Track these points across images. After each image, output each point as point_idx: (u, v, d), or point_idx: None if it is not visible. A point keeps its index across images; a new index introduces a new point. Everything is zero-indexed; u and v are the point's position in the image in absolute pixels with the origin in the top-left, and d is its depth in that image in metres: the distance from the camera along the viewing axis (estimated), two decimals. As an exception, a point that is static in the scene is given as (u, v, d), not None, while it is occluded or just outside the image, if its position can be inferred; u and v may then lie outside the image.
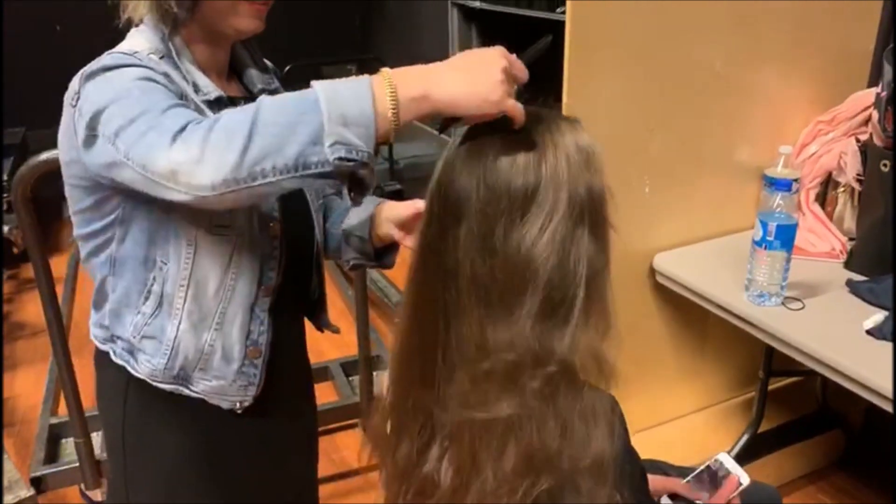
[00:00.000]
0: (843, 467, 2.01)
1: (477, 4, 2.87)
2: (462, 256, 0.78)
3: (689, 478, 1.14)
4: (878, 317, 1.37)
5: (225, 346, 1.07)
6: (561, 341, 0.77)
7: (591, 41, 1.44)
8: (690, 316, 1.75)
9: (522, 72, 0.83)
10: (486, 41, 3.15)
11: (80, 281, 3.29)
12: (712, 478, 1.12)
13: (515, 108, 0.80)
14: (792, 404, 1.95)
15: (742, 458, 1.82)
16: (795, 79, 1.72)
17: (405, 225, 1.15)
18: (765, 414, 1.85)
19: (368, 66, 5.11)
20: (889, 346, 1.31)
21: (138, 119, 0.86)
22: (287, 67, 3.49)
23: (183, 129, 0.83)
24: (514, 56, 0.83)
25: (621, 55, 1.49)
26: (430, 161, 4.00)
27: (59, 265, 2.93)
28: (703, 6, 1.54)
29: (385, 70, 0.83)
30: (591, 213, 0.77)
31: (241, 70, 1.14)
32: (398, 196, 3.81)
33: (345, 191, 0.87)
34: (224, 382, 1.08)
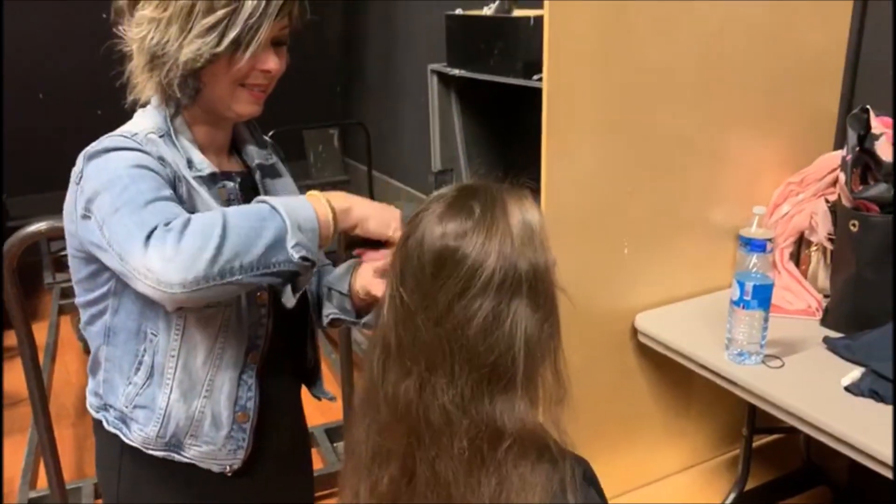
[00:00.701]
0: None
1: (456, 72, 2.95)
2: (411, 318, 0.81)
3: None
4: (855, 373, 1.40)
5: (214, 412, 1.10)
6: (505, 412, 0.78)
7: (568, 111, 1.49)
8: (674, 375, 1.77)
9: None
10: (465, 106, 3.24)
11: (60, 351, 3.26)
12: None
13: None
14: (777, 461, 1.96)
15: (730, 518, 1.83)
16: (766, 142, 1.78)
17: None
18: (750, 471, 1.86)
19: (352, 130, 5.20)
20: (867, 402, 1.34)
21: (122, 209, 0.93)
22: (271, 132, 3.55)
23: (156, 227, 0.91)
24: None
25: (597, 124, 1.54)
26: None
27: (38, 333, 2.90)
28: (676, 76, 1.61)
29: (314, 191, 1.03)
30: (531, 286, 0.80)
31: (241, 146, 1.19)
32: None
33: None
34: (214, 447, 1.11)
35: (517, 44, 2.53)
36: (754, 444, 1.88)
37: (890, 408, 1.32)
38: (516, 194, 0.84)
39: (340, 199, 1.04)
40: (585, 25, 1.47)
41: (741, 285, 1.44)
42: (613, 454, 1.84)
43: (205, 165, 1.08)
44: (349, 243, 1.12)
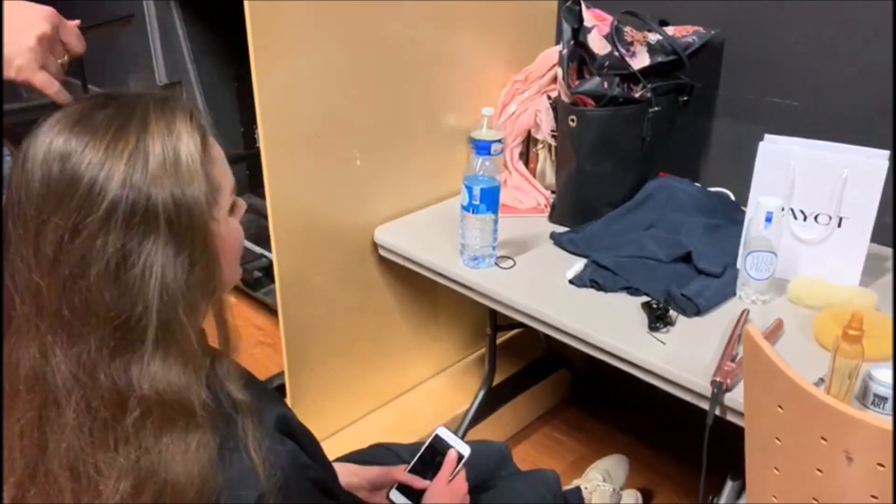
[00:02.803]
0: (571, 403, 2.17)
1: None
2: (24, 264, 0.67)
3: (413, 461, 1.12)
4: (578, 266, 1.45)
5: None
6: (136, 375, 0.67)
7: (275, 11, 1.34)
8: (419, 285, 1.75)
9: (76, 42, 0.78)
10: (189, 14, 2.92)
11: None
12: (434, 456, 1.11)
13: (45, 83, 0.75)
14: (521, 353, 2.05)
15: (481, 413, 1.89)
16: (490, 41, 1.75)
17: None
18: (497, 367, 1.92)
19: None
20: (590, 292, 1.39)
21: None
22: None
23: None
24: (71, 23, 0.75)
25: (311, 26, 1.40)
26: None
27: None
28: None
29: None
30: (171, 223, 0.67)
31: None
32: None
33: None
34: None
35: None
36: (499, 341, 1.94)
37: (608, 296, 1.38)
38: (169, 113, 0.70)
39: None
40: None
41: (469, 189, 1.41)
42: (367, 370, 1.80)
43: None
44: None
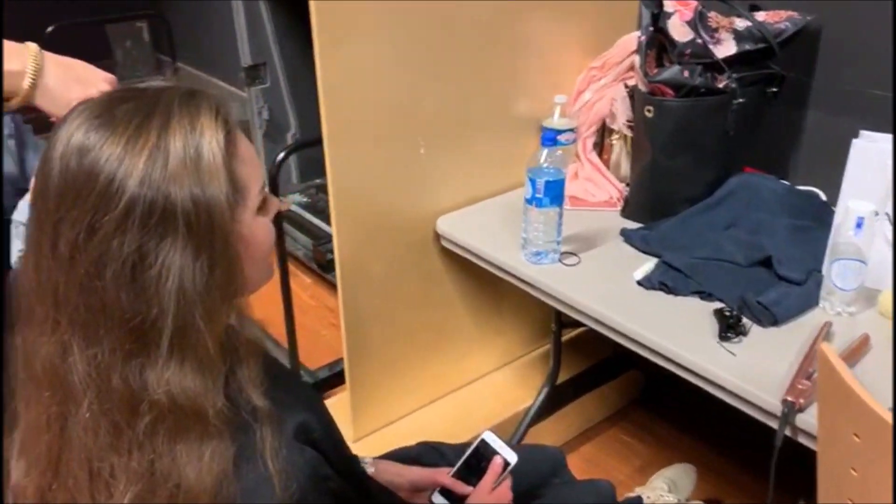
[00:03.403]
0: (642, 405, 2.08)
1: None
2: (44, 260, 0.65)
3: (458, 464, 1.08)
4: (648, 266, 1.37)
5: None
6: (148, 381, 0.65)
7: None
8: (482, 277, 1.70)
9: None
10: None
11: None
12: (480, 461, 1.06)
13: None
14: (589, 351, 1.98)
15: (544, 411, 1.83)
16: (566, 25, 1.67)
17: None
18: (563, 364, 1.85)
19: (167, 22, 4.69)
20: (659, 295, 1.31)
21: None
22: (49, 28, 3.11)
23: None
24: None
25: (377, 10, 1.36)
26: (231, 124, 3.75)
27: None
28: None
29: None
30: (190, 224, 0.64)
31: None
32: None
33: None
34: None
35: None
36: (566, 337, 1.88)
37: (678, 300, 1.30)
38: (193, 108, 0.67)
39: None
40: None
41: (532, 182, 1.35)
42: (427, 360, 1.77)
43: None
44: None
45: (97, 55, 4.71)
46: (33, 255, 0.66)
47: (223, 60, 3.86)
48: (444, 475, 1.07)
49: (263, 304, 2.14)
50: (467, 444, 1.11)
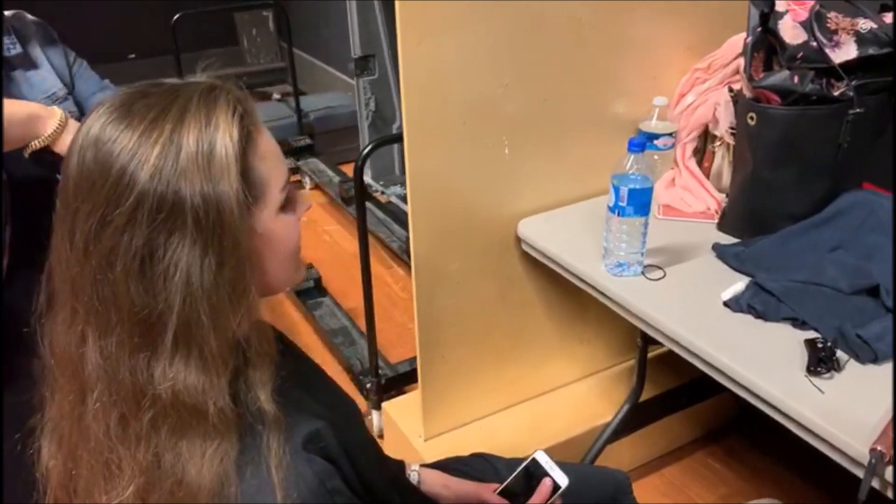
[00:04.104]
0: (735, 430, 1.96)
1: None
2: (58, 254, 0.67)
3: (506, 481, 1.03)
4: (738, 286, 1.26)
5: None
6: (154, 375, 0.64)
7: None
8: (566, 283, 1.64)
9: None
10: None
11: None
12: (530, 480, 1.01)
13: None
14: (679, 368, 1.87)
15: (624, 428, 1.75)
16: (670, 23, 1.58)
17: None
18: (652, 380, 1.76)
19: (290, 11, 4.85)
20: (746, 319, 1.21)
21: None
22: (176, 16, 3.25)
23: None
24: None
25: (460, 4, 1.32)
26: (343, 113, 3.81)
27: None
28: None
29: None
30: (198, 221, 0.63)
31: None
32: (309, 151, 3.63)
33: None
34: None
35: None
36: (655, 353, 1.78)
37: (766, 326, 1.19)
38: (211, 103, 0.66)
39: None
40: None
41: (616, 190, 1.28)
42: (502, 365, 1.73)
43: None
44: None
45: (224, 41, 4.88)
46: (56, 245, 0.67)
47: (336, 50, 3.94)
48: (490, 492, 1.02)
49: (356, 294, 2.15)
50: (520, 461, 1.06)
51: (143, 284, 0.63)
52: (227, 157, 0.65)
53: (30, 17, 1.13)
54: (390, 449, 1.84)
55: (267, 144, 0.71)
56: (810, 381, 1.06)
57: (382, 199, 3.13)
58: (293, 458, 0.67)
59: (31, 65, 1.09)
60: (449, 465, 1.13)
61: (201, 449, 0.65)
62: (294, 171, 3.51)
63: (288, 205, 0.73)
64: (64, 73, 1.15)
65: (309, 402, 0.76)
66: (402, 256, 2.74)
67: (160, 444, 0.65)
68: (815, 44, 1.29)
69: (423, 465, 1.10)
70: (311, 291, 2.58)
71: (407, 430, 1.74)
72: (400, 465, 1.06)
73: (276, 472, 0.66)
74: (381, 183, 3.16)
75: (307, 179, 3.51)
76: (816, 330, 1.16)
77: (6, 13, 1.09)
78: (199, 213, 0.63)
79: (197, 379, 0.64)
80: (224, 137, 0.65)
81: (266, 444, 0.67)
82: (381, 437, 1.95)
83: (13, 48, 1.04)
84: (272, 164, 0.71)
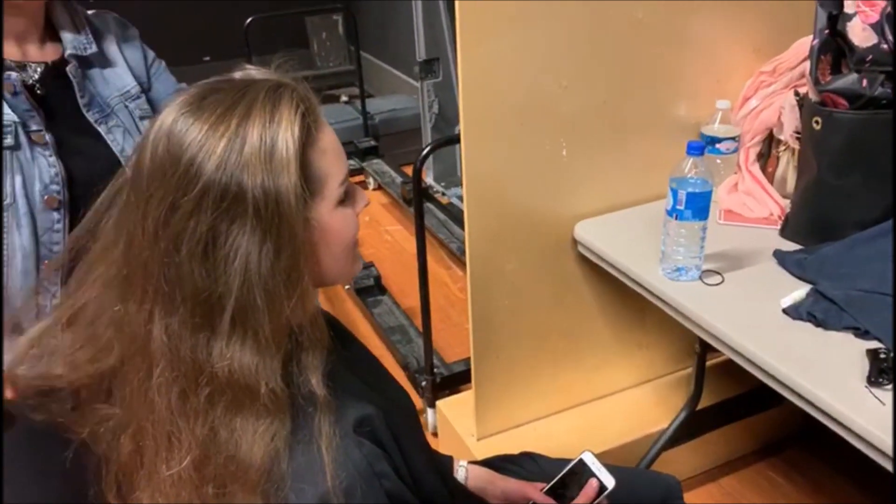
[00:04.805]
0: (798, 442, 1.90)
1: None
2: (131, 239, 0.71)
3: (553, 481, 1.04)
4: (798, 293, 1.24)
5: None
6: (212, 354, 0.68)
7: (484, -11, 1.30)
8: (625, 285, 1.63)
9: None
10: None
11: None
12: (576, 481, 1.01)
13: None
14: (740, 378, 1.82)
15: (681, 436, 1.73)
16: (735, 24, 1.55)
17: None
18: (710, 388, 1.73)
19: (360, 15, 4.95)
20: (806, 327, 1.19)
21: None
22: (249, 20, 3.35)
23: None
24: None
25: (519, 4, 1.33)
26: (407, 116, 3.86)
27: None
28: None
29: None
30: (258, 211, 0.67)
31: (60, 32, 1.07)
32: (373, 152, 3.68)
33: None
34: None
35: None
36: (716, 361, 1.75)
37: (826, 335, 1.16)
38: (276, 100, 0.69)
39: None
40: None
41: (674, 193, 1.27)
42: (558, 368, 1.73)
43: None
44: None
45: (295, 44, 4.98)
46: (128, 230, 0.71)
47: (402, 53, 3.99)
48: (537, 491, 1.03)
49: (415, 294, 2.17)
50: (567, 461, 1.06)
51: (206, 268, 0.67)
52: (288, 152, 0.68)
53: (112, 15, 1.18)
54: (444, 447, 1.86)
55: (329, 140, 0.74)
56: (871, 391, 1.03)
57: (443, 200, 3.15)
58: (343, 440, 0.70)
59: (108, 63, 1.13)
60: (496, 464, 1.13)
61: (253, 426, 0.68)
62: (358, 171, 3.57)
63: (347, 199, 0.76)
64: (141, 73, 1.19)
65: (361, 388, 0.78)
66: (460, 257, 2.76)
67: (216, 420, 0.68)
68: (885, 46, 1.25)
69: (472, 462, 1.11)
70: (371, 289, 2.63)
71: (460, 429, 1.75)
72: (448, 460, 1.08)
73: (326, 452, 0.68)
74: (443, 184, 3.19)
75: (371, 180, 3.56)
76: (879, 340, 1.12)
77: (89, 12, 1.15)
78: (259, 205, 0.67)
79: (251, 360, 0.68)
80: (286, 133, 0.68)
81: (317, 425, 0.69)
82: (435, 434, 1.97)
83: (90, 47, 1.09)
84: (332, 160, 0.74)
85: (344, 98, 4.37)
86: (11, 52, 1.01)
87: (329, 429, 0.69)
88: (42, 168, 1.02)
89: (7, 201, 0.99)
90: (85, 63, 1.08)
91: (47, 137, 1.01)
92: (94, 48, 1.08)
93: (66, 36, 1.07)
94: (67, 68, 1.06)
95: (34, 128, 1.00)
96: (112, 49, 1.11)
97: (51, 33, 1.07)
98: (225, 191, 0.66)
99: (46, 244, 1.03)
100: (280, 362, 0.70)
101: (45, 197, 1.01)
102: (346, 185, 0.75)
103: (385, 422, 0.76)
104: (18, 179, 0.99)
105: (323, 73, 4.95)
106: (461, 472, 1.07)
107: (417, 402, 2.06)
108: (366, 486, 0.70)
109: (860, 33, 1.27)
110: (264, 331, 0.68)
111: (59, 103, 1.05)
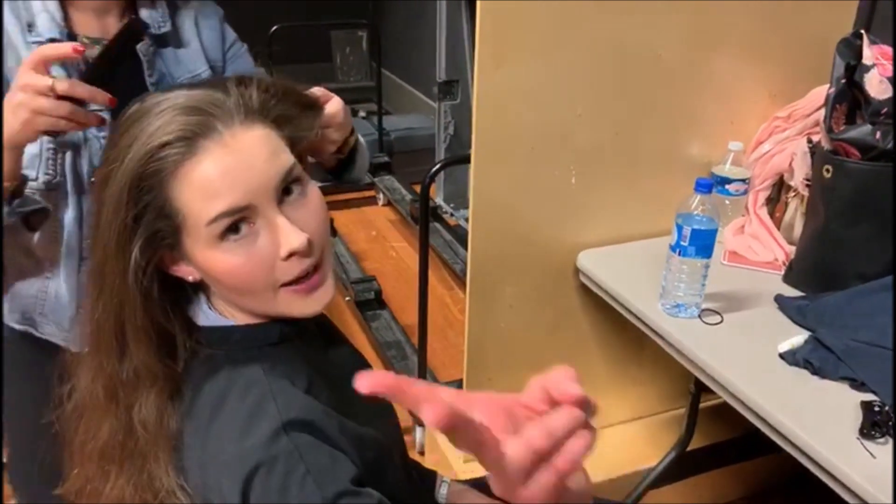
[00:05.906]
0: (787, 493, 1.88)
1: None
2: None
3: None
4: (796, 339, 1.23)
5: (58, 293, 1.08)
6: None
7: (506, 13, 1.31)
8: (622, 319, 1.62)
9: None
10: (474, 13, 3.00)
11: None
12: None
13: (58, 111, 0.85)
14: (733, 421, 1.81)
15: (669, 476, 1.71)
16: (753, 68, 1.56)
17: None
18: (702, 431, 1.71)
19: (383, 33, 4.98)
20: (801, 374, 1.18)
21: None
22: (274, 28, 3.38)
23: None
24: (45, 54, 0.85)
25: (544, 32, 1.35)
26: (422, 135, 3.87)
27: None
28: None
29: None
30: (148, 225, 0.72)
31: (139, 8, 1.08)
32: (386, 168, 3.70)
33: None
34: (63, 328, 1.11)
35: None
36: (710, 403, 1.73)
37: (822, 384, 1.15)
38: (154, 123, 0.69)
39: None
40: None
41: (679, 229, 1.27)
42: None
43: (45, 29, 0.98)
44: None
45: (318, 57, 5.01)
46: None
47: (423, 74, 4.01)
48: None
49: (414, 311, 2.15)
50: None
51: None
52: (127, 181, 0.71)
53: None
54: (430, 466, 1.84)
55: (205, 172, 0.69)
56: (862, 444, 1.02)
57: (451, 221, 3.15)
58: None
59: (181, 42, 1.10)
60: (481, 484, 1.12)
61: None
62: (369, 186, 3.58)
63: (244, 237, 0.70)
64: (216, 55, 1.15)
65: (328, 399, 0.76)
66: (463, 280, 2.75)
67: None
68: (901, 100, 1.26)
69: (456, 481, 1.10)
70: (371, 303, 2.62)
71: (448, 450, 1.73)
72: (431, 475, 1.07)
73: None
74: (452, 205, 3.19)
75: (381, 196, 3.57)
76: (875, 393, 1.11)
77: None
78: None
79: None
80: (133, 160, 0.70)
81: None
82: (421, 453, 1.95)
83: (164, 25, 1.07)
84: (199, 195, 0.69)
85: (362, 113, 4.40)
86: (91, 26, 1.01)
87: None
88: (93, 149, 1.01)
89: (56, 179, 1.00)
90: (158, 41, 1.07)
91: (106, 116, 0.98)
92: (168, 26, 1.07)
93: (143, 12, 1.06)
94: (138, 46, 1.04)
95: (94, 107, 0.95)
96: (187, 27, 1.10)
97: (132, 8, 1.06)
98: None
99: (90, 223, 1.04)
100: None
101: (92, 179, 1.01)
102: (223, 222, 0.69)
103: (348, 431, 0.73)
104: (69, 156, 0.99)
105: (343, 87, 4.98)
106: (444, 487, 1.06)
107: (407, 419, 2.04)
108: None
109: (877, 85, 1.28)
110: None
111: (127, 81, 1.00)
